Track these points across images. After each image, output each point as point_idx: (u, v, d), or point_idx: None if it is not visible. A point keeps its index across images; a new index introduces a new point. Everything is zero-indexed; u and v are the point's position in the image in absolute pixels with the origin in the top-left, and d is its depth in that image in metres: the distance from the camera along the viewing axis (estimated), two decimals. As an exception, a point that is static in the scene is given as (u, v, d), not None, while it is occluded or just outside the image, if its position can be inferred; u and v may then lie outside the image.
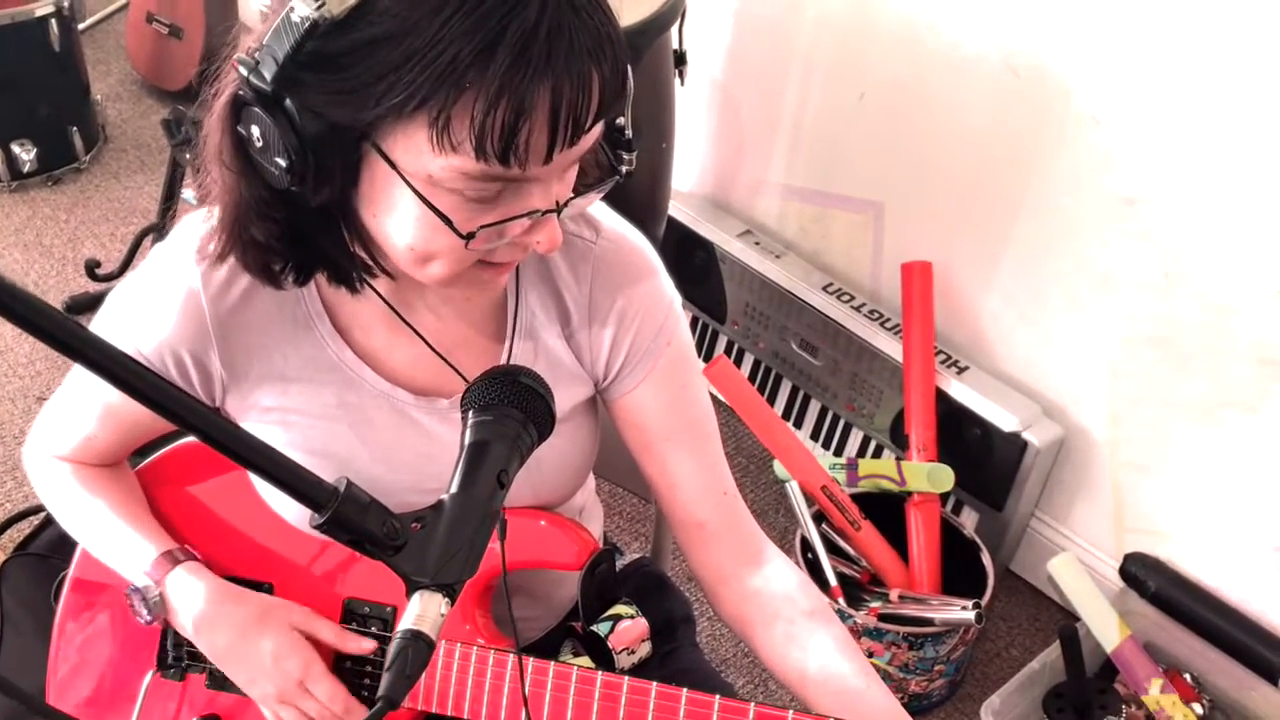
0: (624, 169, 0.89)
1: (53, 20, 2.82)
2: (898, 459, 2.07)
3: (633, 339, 1.04)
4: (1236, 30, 1.63)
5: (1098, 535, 2.09)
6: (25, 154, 2.94)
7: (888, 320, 2.20)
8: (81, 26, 3.18)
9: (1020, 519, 2.11)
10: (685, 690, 0.94)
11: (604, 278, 1.02)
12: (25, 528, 1.90)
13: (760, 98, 2.35)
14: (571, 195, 0.87)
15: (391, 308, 0.97)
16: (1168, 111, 1.74)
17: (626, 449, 1.12)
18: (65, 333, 0.60)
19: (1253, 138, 1.66)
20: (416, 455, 1.03)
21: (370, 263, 0.91)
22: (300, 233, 0.88)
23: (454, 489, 0.74)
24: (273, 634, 1.04)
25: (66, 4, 2.85)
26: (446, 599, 0.70)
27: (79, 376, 1.09)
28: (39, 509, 1.94)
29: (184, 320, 0.97)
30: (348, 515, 0.69)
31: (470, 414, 0.78)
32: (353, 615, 1.10)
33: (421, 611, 0.69)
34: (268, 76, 0.76)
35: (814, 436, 2.36)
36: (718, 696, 0.93)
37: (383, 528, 0.70)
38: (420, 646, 0.67)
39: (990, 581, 1.94)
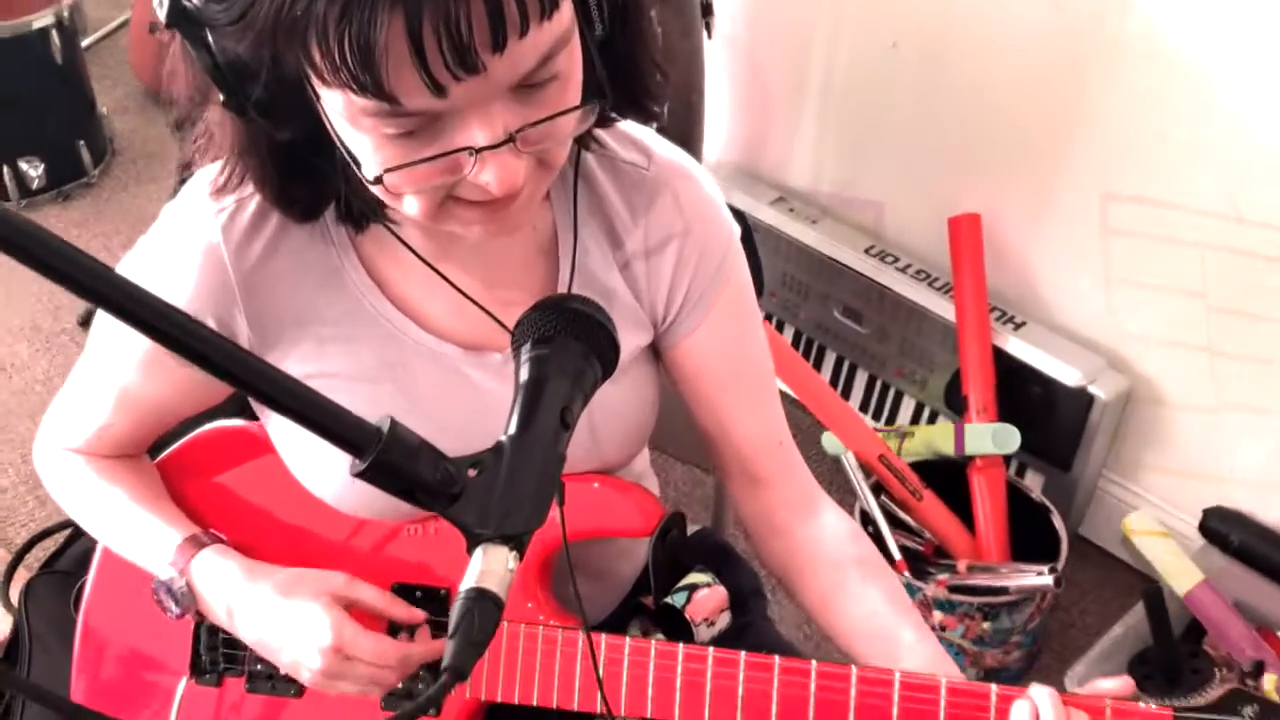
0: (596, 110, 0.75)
1: (54, 32, 2.76)
2: (955, 423, 1.98)
3: (692, 275, 0.95)
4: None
5: (1172, 491, 1.99)
6: (33, 171, 2.88)
7: (936, 279, 2.10)
8: (85, 43, 3.13)
9: (1089, 479, 2.01)
10: (777, 657, 0.85)
11: (661, 208, 0.93)
12: (51, 545, 1.83)
13: (786, 55, 2.25)
14: (542, 119, 0.72)
15: (416, 254, 0.88)
16: (1228, 25, 1.63)
17: (681, 406, 1.03)
18: (91, 275, 0.52)
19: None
20: (468, 415, 0.92)
21: (361, 203, 0.82)
22: (287, 166, 0.80)
23: (512, 430, 0.65)
24: (301, 600, 0.92)
25: (66, 15, 2.79)
26: (514, 553, 0.60)
27: (90, 364, 1.00)
28: (62, 526, 1.87)
29: (205, 278, 0.87)
30: (394, 460, 0.60)
31: (525, 349, 0.69)
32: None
33: (486, 567, 0.59)
34: (167, 5, 0.69)
35: (863, 408, 2.26)
36: (814, 661, 0.84)
37: (435, 473, 0.61)
38: (488, 606, 0.58)
39: (1064, 544, 1.84)
